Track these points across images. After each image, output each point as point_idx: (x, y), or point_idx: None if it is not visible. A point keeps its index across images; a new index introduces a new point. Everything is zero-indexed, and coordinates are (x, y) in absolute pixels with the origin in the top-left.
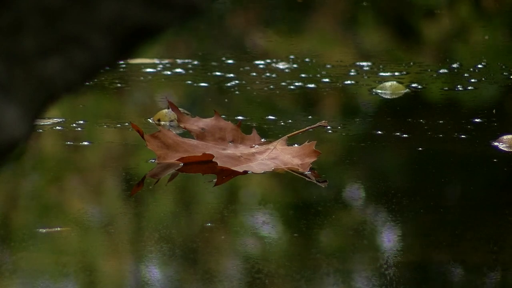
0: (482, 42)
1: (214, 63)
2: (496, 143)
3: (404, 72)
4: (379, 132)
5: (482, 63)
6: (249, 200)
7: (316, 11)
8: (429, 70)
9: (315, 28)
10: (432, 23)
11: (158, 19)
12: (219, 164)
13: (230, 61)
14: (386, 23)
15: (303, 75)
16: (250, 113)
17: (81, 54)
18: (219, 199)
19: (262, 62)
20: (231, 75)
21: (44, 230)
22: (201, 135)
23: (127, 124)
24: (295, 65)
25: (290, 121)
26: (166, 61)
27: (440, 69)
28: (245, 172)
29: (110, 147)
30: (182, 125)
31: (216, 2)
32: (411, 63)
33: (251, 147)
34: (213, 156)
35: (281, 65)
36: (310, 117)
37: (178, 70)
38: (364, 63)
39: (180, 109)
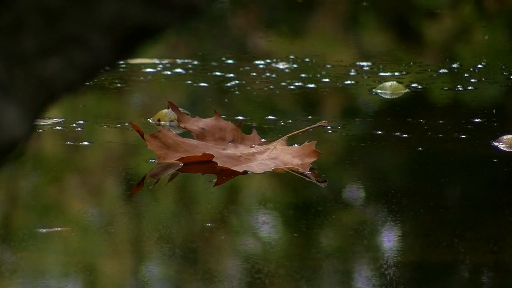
0: (482, 42)
1: (214, 63)
2: (496, 143)
3: (404, 72)
4: (379, 132)
5: (482, 63)
6: (249, 200)
7: (316, 11)
8: (429, 70)
9: (315, 28)
10: (433, 23)
11: (158, 19)
12: (219, 164)
13: (230, 61)
14: (386, 23)
15: (303, 75)
16: (250, 113)
17: (81, 54)
18: (219, 199)
19: (262, 62)
20: (231, 75)
21: (44, 230)
22: (201, 135)
23: (127, 124)
24: (295, 65)
25: (290, 121)
26: (166, 61)
27: (440, 69)
28: (245, 172)
29: (110, 147)
30: (182, 125)
31: (216, 2)
32: (411, 63)
33: (251, 147)
34: (213, 156)
35: (281, 65)
36: (310, 117)
37: (178, 70)
38: (364, 63)
39: (180, 109)
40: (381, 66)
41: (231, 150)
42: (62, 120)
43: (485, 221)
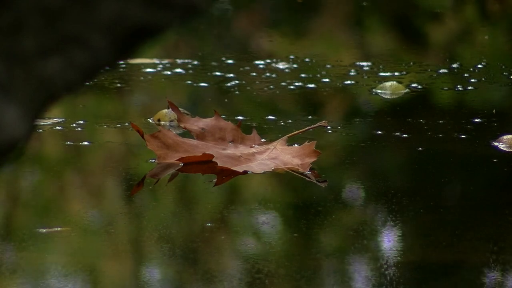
0: (483, 42)
1: (214, 63)
2: (496, 143)
3: (404, 72)
4: (379, 132)
5: (482, 63)
6: (249, 200)
7: (316, 11)
8: (429, 70)
9: (315, 28)
10: (433, 23)
11: (158, 19)
12: (219, 164)
13: (230, 61)
14: (386, 23)
15: (303, 75)
16: (250, 113)
17: (81, 54)
18: (219, 199)
19: (262, 62)
20: (231, 75)
21: (44, 230)
22: (201, 135)
23: (127, 124)
24: (295, 65)
25: (290, 121)
26: (166, 61)
27: (440, 69)
28: (245, 172)
29: (110, 147)
30: (182, 125)
31: (216, 2)
32: (411, 63)
33: (251, 147)
34: (213, 156)
35: (281, 65)
36: (310, 117)
37: (178, 70)
38: (364, 63)
39: (180, 109)
40: (381, 66)
41: (231, 150)
42: (62, 120)
43: (485, 221)
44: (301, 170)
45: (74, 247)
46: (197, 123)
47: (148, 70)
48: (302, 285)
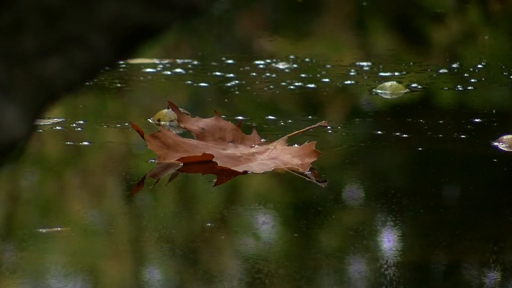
0: (483, 42)
1: (214, 63)
2: (496, 143)
3: (404, 72)
4: (379, 132)
5: (482, 63)
6: (249, 200)
7: (316, 11)
8: (429, 70)
9: (315, 28)
10: (434, 23)
11: (158, 19)
12: (219, 164)
13: (230, 61)
14: (386, 23)
15: (303, 75)
16: (250, 113)
17: (81, 54)
18: (219, 199)
19: (262, 62)
20: (231, 75)
21: (44, 230)
22: (201, 135)
23: (127, 124)
24: (295, 65)
25: (290, 121)
26: (166, 61)
27: (440, 69)
28: (245, 172)
29: (110, 147)
30: (182, 125)
31: (216, 2)
32: (411, 63)
33: (251, 147)
34: (213, 156)
35: (281, 65)
36: (310, 117)
37: (178, 70)
38: (364, 63)
39: (180, 109)
40: (381, 66)
41: (231, 150)
42: (62, 120)
43: (485, 221)
44: (301, 170)
45: (74, 247)
46: (197, 123)
47: (148, 70)
48: (302, 285)
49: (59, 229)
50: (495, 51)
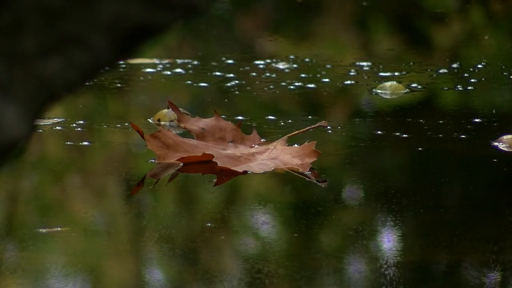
0: (483, 42)
1: (214, 63)
2: (496, 143)
3: (404, 72)
4: (379, 132)
5: (482, 63)
6: (249, 200)
7: (316, 11)
8: (429, 70)
9: (315, 28)
10: (434, 23)
11: (158, 19)
12: (219, 164)
13: (230, 61)
14: (386, 23)
15: (303, 75)
16: (250, 113)
17: (81, 54)
18: (219, 199)
19: (262, 62)
20: (231, 75)
21: (44, 230)
22: (201, 135)
23: (127, 124)
24: (295, 65)
25: (290, 121)
26: (166, 61)
27: (440, 69)
28: (245, 172)
29: (110, 147)
30: (182, 125)
31: (216, 2)
32: (411, 63)
33: (251, 147)
34: (213, 156)
35: (281, 65)
36: (310, 117)
37: (178, 70)
38: (364, 63)
39: (180, 109)
40: (381, 66)
41: (231, 150)
42: (62, 120)
43: (485, 221)
44: (301, 170)
45: (74, 247)
46: (197, 123)
47: (148, 70)
48: (302, 285)
49: (59, 229)
50: (495, 51)
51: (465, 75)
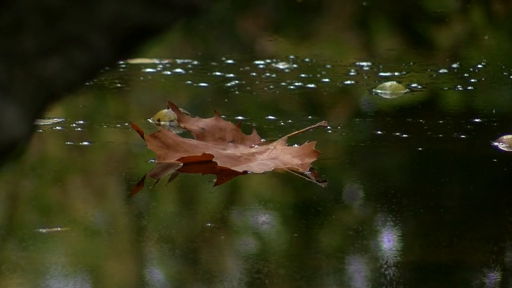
0: (483, 42)
1: (214, 63)
2: (496, 143)
3: (404, 72)
4: (379, 132)
5: (482, 63)
6: (249, 200)
7: (316, 11)
8: (429, 70)
9: (315, 28)
10: (435, 23)
11: (158, 19)
12: (219, 164)
13: (230, 61)
14: (386, 23)
15: (303, 75)
16: (250, 113)
17: (81, 54)
18: (219, 199)
19: (262, 62)
20: (231, 75)
21: (44, 230)
22: (201, 135)
23: (127, 124)
24: (295, 65)
25: (290, 121)
26: (166, 61)
27: (440, 69)
28: (245, 172)
29: (110, 147)
30: (182, 125)
31: (216, 2)
32: (411, 63)
33: (251, 147)
34: (213, 156)
35: (281, 65)
36: (310, 117)
37: (178, 70)
38: (364, 63)
39: (180, 109)
40: (381, 66)
41: (231, 150)
42: (62, 120)
43: (485, 221)
44: (301, 170)
45: (74, 247)
46: (197, 123)
47: (148, 70)
48: (302, 285)
49: (59, 229)
50: (495, 51)
51: (465, 75)
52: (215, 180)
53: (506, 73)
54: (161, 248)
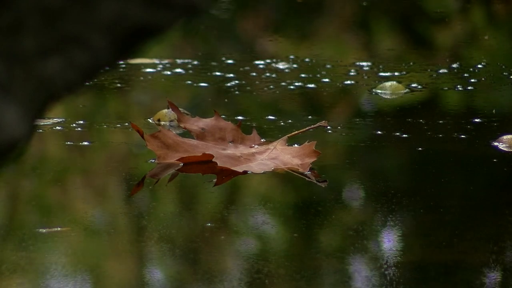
0: (483, 42)
1: (214, 63)
2: (496, 143)
3: (404, 72)
4: (379, 132)
5: (482, 63)
6: (249, 200)
7: (316, 11)
8: (429, 70)
9: (315, 28)
10: (435, 24)
11: (158, 19)
12: (219, 164)
13: (230, 61)
14: (386, 23)
15: (303, 75)
16: (250, 113)
17: (81, 54)
18: (219, 199)
19: (262, 62)
20: (231, 75)
21: (44, 230)
22: (201, 135)
23: (127, 124)
24: (295, 65)
25: (290, 121)
26: (166, 61)
27: (440, 69)
28: (245, 172)
29: (110, 147)
30: (182, 125)
31: (216, 2)
32: (411, 63)
33: (251, 147)
34: (213, 156)
35: (281, 65)
36: (310, 117)
37: (178, 70)
38: (364, 63)
39: (180, 109)
40: (381, 66)
41: (231, 150)
42: (62, 120)
43: (485, 221)
44: (301, 170)
45: (74, 247)
46: (197, 123)
47: (148, 70)
48: (302, 285)
49: (59, 229)
50: (495, 51)
51: (465, 75)
52: (215, 180)
53: (506, 73)
54: (161, 248)
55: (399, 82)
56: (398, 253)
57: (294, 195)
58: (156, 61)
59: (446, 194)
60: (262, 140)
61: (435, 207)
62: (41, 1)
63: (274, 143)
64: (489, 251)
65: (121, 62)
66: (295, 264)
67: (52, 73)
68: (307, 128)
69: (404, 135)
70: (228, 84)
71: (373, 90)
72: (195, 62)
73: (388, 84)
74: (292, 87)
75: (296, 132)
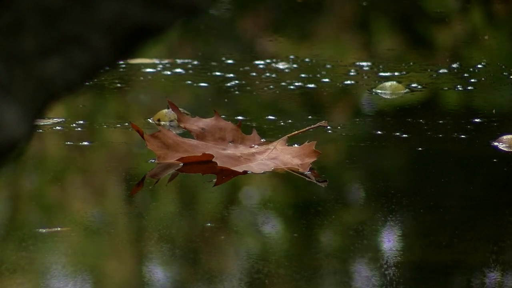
0: (483, 42)
1: (214, 63)
2: (496, 143)
3: (404, 72)
4: (379, 132)
5: (482, 63)
6: (249, 200)
7: (316, 11)
8: (429, 70)
9: (315, 28)
10: (435, 24)
11: (158, 19)
12: (219, 164)
13: (230, 61)
14: (386, 23)
15: (303, 75)
16: (250, 113)
17: (81, 54)
18: (219, 199)
19: (262, 62)
20: (231, 75)
21: (44, 230)
22: (201, 135)
23: (127, 124)
24: (295, 65)
25: (290, 121)
26: (166, 61)
27: (440, 69)
28: (245, 172)
29: (110, 147)
30: (182, 125)
31: (216, 2)
32: (411, 63)
33: (251, 147)
34: (213, 156)
35: (281, 65)
36: (310, 117)
37: (178, 70)
38: (364, 63)
39: (180, 109)
40: (381, 66)
41: (231, 150)
42: (62, 120)
43: (485, 221)
44: (301, 170)
45: (74, 247)
46: (197, 123)
47: (148, 70)
48: (302, 285)
49: (59, 229)
50: (495, 51)
51: (465, 75)
52: (215, 180)
53: (506, 73)
54: (161, 248)
55: (399, 82)
56: (398, 253)
57: (294, 195)
58: (156, 61)
59: (446, 194)
60: (262, 140)
61: (435, 207)
62: (41, 1)
63: (274, 143)
64: (489, 251)
65: (121, 62)
66: (295, 264)
67: (52, 73)
68: (307, 128)
69: (404, 135)
70: (228, 84)
71: (373, 90)
72: (195, 62)
73: (388, 84)
74: (292, 87)
75: (296, 132)
